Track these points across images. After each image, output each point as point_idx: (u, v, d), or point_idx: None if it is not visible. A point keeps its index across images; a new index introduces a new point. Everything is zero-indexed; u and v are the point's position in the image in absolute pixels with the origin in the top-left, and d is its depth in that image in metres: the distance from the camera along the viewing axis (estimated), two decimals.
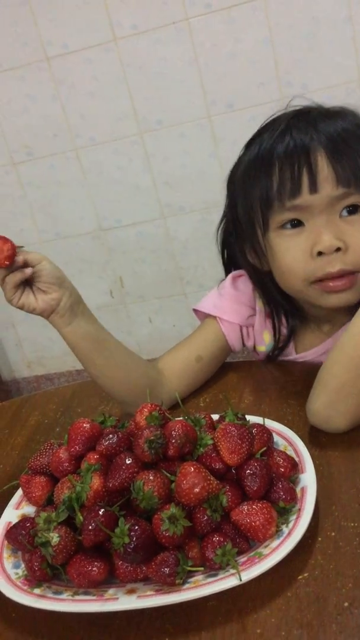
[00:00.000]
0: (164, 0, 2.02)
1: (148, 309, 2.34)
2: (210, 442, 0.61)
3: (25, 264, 0.75)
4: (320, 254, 0.76)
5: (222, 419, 0.63)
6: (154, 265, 2.29)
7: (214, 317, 0.91)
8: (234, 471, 0.59)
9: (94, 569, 0.55)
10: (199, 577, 0.54)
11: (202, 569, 0.55)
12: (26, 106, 2.20)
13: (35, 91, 2.18)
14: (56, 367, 2.53)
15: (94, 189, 2.23)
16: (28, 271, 0.74)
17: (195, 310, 0.95)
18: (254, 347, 0.94)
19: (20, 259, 0.74)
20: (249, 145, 0.84)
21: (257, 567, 0.53)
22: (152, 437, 0.58)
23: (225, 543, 0.54)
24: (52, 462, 0.64)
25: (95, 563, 0.56)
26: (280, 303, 0.88)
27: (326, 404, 0.69)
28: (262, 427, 0.63)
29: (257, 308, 0.91)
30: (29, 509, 0.67)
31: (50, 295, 0.76)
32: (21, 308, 0.76)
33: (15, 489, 0.69)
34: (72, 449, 0.63)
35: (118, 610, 0.54)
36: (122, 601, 0.54)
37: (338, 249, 0.76)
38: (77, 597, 0.55)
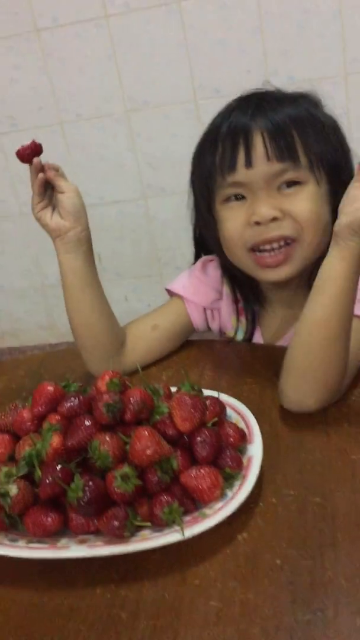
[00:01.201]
0: None
1: (124, 288, 2.37)
2: (166, 410, 0.64)
3: (58, 189, 0.84)
4: (257, 223, 0.81)
5: (179, 390, 0.67)
6: (132, 245, 2.31)
7: (180, 297, 0.96)
8: (186, 438, 0.63)
9: (48, 519, 0.59)
10: (146, 532, 0.59)
11: (149, 524, 0.59)
12: (13, 77, 2.19)
13: (23, 62, 2.17)
14: (30, 340, 2.55)
15: (77, 165, 2.24)
16: (41, 176, 0.82)
17: (167, 290, 1.00)
18: (222, 332, 0.99)
19: (37, 160, 0.83)
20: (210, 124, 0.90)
21: (200, 526, 0.57)
22: (110, 402, 0.62)
23: (173, 502, 0.58)
24: (15, 421, 0.68)
25: (50, 514, 0.60)
26: (243, 286, 0.93)
27: (295, 388, 0.74)
28: (216, 400, 0.67)
29: (225, 292, 0.96)
30: None
31: (63, 222, 0.84)
32: (38, 220, 0.85)
33: None
34: (35, 410, 0.67)
35: (69, 558, 0.58)
36: (73, 550, 0.58)
37: (274, 219, 0.81)
38: (31, 545, 0.59)
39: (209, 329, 0.99)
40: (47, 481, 0.59)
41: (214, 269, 0.97)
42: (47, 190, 0.84)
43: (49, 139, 2.17)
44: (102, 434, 0.61)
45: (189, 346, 0.95)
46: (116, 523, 0.57)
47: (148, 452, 0.59)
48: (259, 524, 0.59)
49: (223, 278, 0.96)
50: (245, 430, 0.68)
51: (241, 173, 0.81)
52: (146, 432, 0.60)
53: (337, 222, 0.70)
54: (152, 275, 2.36)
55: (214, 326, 0.99)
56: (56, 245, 0.85)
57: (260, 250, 0.83)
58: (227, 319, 0.97)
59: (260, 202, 0.81)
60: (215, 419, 0.65)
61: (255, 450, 0.65)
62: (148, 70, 2.13)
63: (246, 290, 0.94)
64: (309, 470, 0.64)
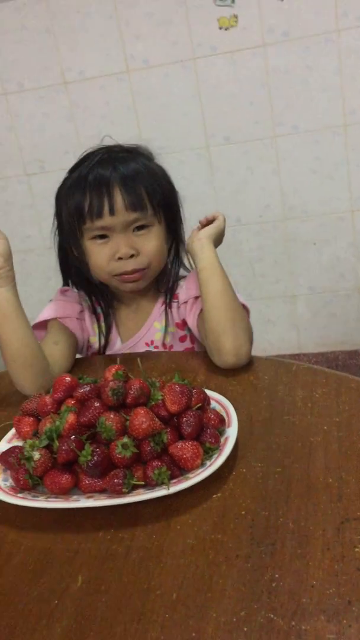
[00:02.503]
0: (175, 41, 2.24)
1: None
2: (160, 397, 0.80)
3: None
4: (119, 259, 1.10)
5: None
6: None
7: (55, 319, 1.18)
8: (175, 419, 0.79)
9: (63, 479, 0.74)
10: (140, 490, 0.73)
11: (143, 483, 0.74)
12: (42, 124, 2.41)
13: (52, 111, 2.39)
14: None
15: None
16: None
17: (34, 327, 1.17)
18: (88, 340, 1.22)
19: None
20: (72, 170, 1.14)
21: (182, 485, 0.72)
22: (115, 387, 0.78)
23: (162, 466, 0.73)
24: (39, 405, 0.84)
25: (65, 475, 0.75)
26: (101, 295, 1.21)
27: (232, 340, 1.00)
28: (200, 390, 0.82)
29: (84, 305, 1.21)
30: (18, 444, 0.86)
31: None
32: None
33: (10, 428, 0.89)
34: (55, 395, 0.83)
35: (79, 508, 0.73)
36: (81, 502, 0.73)
37: (132, 255, 1.10)
38: (49, 499, 0.74)
39: (82, 341, 1.22)
40: (64, 448, 0.75)
41: (71, 292, 1.24)
42: None
43: None
44: (108, 412, 0.77)
45: (186, 357, 1.11)
46: (117, 481, 0.72)
47: (144, 426, 0.74)
48: (230, 486, 0.74)
49: (81, 297, 1.23)
50: (225, 417, 0.83)
51: (106, 219, 1.08)
52: (142, 411, 0.75)
53: (201, 234, 1.12)
54: None
55: (84, 336, 1.21)
56: None
57: (121, 275, 1.12)
58: (90, 327, 1.22)
59: (121, 242, 1.09)
60: (200, 404, 0.80)
61: (231, 432, 0.79)
62: (165, 119, 2.34)
63: (103, 298, 1.21)
64: (274, 449, 0.79)
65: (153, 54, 2.24)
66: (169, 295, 1.21)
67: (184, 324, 1.20)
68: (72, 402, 0.81)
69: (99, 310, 1.22)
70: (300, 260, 2.45)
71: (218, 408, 0.85)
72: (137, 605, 0.60)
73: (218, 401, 0.87)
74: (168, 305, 1.21)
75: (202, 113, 2.29)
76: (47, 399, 0.83)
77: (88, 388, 0.81)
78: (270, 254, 2.45)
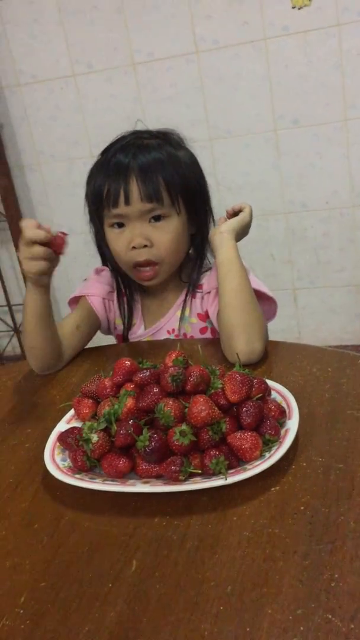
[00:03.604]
0: (245, 20, 2.19)
1: None
2: (220, 386, 0.78)
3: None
4: (133, 248, 1.10)
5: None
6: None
7: (84, 297, 1.20)
8: (235, 409, 0.77)
9: (121, 462, 0.74)
10: (197, 479, 0.73)
11: (199, 471, 0.73)
12: (110, 105, 2.41)
13: (119, 92, 2.39)
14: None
15: None
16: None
17: (71, 300, 1.24)
18: (115, 321, 1.23)
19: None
20: (103, 153, 1.13)
21: (240, 475, 0.71)
22: (175, 373, 0.77)
23: (220, 455, 0.72)
24: (98, 387, 0.84)
25: (122, 459, 0.75)
26: (127, 277, 1.20)
27: (246, 340, 0.99)
28: (261, 380, 0.80)
29: (115, 287, 1.21)
30: (76, 425, 0.86)
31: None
32: (42, 272, 1.00)
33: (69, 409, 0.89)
34: (115, 379, 0.82)
35: (135, 492, 0.72)
36: (138, 487, 0.72)
37: (145, 246, 1.09)
38: (106, 482, 0.74)
39: (107, 321, 1.23)
40: (121, 432, 0.74)
41: (106, 272, 1.25)
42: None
43: None
44: (166, 398, 0.76)
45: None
46: (174, 468, 0.71)
47: (202, 414, 0.73)
48: (289, 480, 0.72)
49: (113, 279, 1.23)
50: (286, 408, 0.81)
51: (122, 208, 1.08)
52: (202, 399, 0.74)
53: (223, 227, 1.10)
54: None
55: (111, 316, 1.22)
56: (32, 286, 1.04)
57: (138, 266, 1.13)
58: (117, 308, 1.24)
59: (136, 231, 1.09)
60: (260, 395, 0.78)
61: (292, 424, 0.77)
62: (232, 101, 2.29)
63: (130, 282, 1.22)
64: (336, 445, 0.76)
65: (223, 34, 2.20)
66: (192, 285, 1.19)
67: (206, 316, 1.18)
68: (132, 386, 0.80)
69: (126, 293, 1.23)
70: None
71: (279, 399, 0.83)
72: (190, 595, 0.60)
73: (279, 392, 0.85)
74: (192, 295, 1.19)
75: (271, 95, 2.23)
76: (107, 382, 0.83)
77: (147, 373, 0.80)
78: (336, 242, 2.39)
